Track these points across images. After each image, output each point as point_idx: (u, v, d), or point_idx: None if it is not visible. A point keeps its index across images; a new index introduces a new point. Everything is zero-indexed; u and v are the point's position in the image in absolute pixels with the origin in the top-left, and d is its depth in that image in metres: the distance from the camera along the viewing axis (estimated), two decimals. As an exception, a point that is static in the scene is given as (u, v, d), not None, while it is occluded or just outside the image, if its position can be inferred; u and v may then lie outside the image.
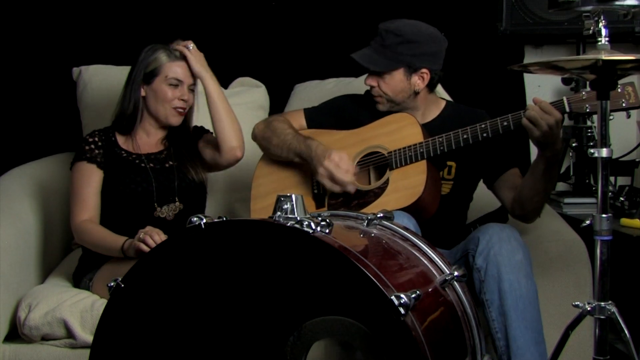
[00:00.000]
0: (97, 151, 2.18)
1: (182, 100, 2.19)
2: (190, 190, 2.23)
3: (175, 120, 2.22)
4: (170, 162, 2.24)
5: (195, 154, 2.29)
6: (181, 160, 2.24)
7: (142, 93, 2.21)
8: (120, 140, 2.24)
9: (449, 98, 2.62)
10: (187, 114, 2.28)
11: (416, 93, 2.15)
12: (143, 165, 2.20)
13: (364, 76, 2.71)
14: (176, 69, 2.19)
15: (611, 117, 1.61)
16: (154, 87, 2.19)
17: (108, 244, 2.04)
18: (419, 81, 2.13)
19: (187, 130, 2.31)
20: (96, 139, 2.21)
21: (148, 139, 2.27)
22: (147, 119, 2.25)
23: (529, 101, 3.02)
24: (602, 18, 1.51)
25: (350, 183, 2.06)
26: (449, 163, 2.14)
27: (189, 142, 2.30)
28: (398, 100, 2.14)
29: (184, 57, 2.21)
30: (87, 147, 2.18)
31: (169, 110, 2.19)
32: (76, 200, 2.15)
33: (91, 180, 2.16)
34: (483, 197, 2.28)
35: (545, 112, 1.85)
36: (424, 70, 2.12)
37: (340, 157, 2.06)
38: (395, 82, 2.12)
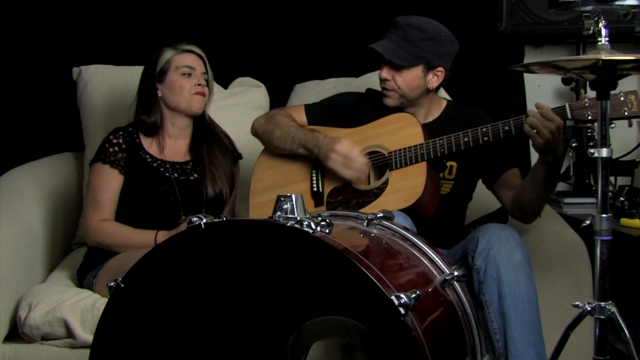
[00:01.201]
0: (120, 154, 2.14)
1: (199, 85, 2.17)
2: (218, 204, 2.21)
3: (199, 106, 2.18)
4: (196, 175, 2.21)
5: (222, 160, 2.27)
6: (204, 169, 2.21)
7: (159, 94, 2.19)
8: (146, 142, 2.20)
9: (449, 98, 2.62)
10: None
11: (429, 91, 2.15)
12: (167, 174, 2.16)
13: (364, 76, 2.73)
14: (185, 59, 2.18)
15: (613, 126, 1.60)
16: (168, 82, 2.18)
17: (137, 243, 2.03)
18: (433, 79, 2.13)
19: (215, 136, 2.29)
20: (120, 140, 2.16)
21: (174, 145, 2.24)
22: (170, 118, 2.21)
23: (529, 101, 3.04)
24: (602, 18, 1.51)
25: (365, 164, 2.06)
26: (449, 163, 2.14)
27: (217, 148, 2.28)
28: (410, 97, 2.13)
29: (190, 51, 2.20)
30: (110, 149, 2.14)
31: (189, 97, 2.17)
32: (92, 202, 2.13)
33: (110, 184, 2.13)
34: (483, 197, 2.28)
35: (547, 118, 1.84)
36: (440, 69, 2.12)
37: (349, 143, 2.07)
38: (412, 77, 2.10)
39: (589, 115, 1.89)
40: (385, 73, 2.11)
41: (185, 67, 2.17)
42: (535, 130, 1.85)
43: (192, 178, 2.20)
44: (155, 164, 2.18)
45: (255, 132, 2.29)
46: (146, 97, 2.20)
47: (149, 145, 2.21)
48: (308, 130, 2.16)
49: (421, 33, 2.08)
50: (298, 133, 2.15)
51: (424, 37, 2.08)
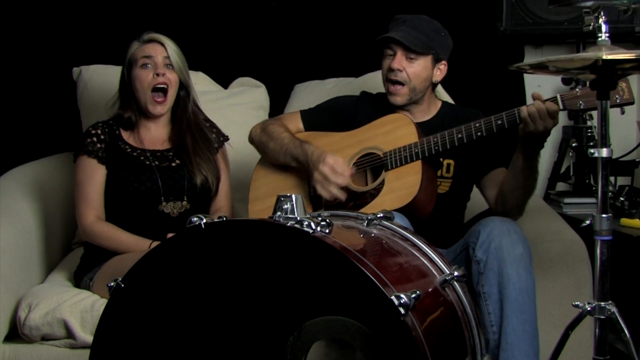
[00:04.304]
0: (98, 145, 2.15)
1: (157, 75, 2.13)
2: (199, 191, 2.20)
3: (157, 109, 2.16)
4: (178, 161, 2.21)
5: (206, 153, 2.24)
6: (187, 160, 2.20)
7: (130, 89, 2.19)
8: (125, 134, 2.22)
9: (449, 98, 2.62)
10: (183, 104, 2.24)
11: (433, 85, 2.17)
12: (148, 162, 2.17)
13: (365, 76, 2.73)
14: (144, 50, 2.16)
15: None
16: (132, 77, 2.17)
17: (131, 248, 2.04)
18: (437, 73, 2.16)
19: (196, 127, 2.26)
20: (99, 131, 2.18)
21: (152, 134, 2.24)
22: (141, 115, 2.21)
23: (529, 101, 3.03)
24: (602, 14, 1.51)
25: (344, 188, 2.03)
26: (447, 161, 2.15)
27: (200, 140, 2.25)
28: (419, 90, 2.14)
29: (150, 40, 2.17)
30: (88, 140, 2.16)
31: (148, 95, 2.15)
32: (80, 197, 2.14)
33: (94, 176, 2.14)
34: (480, 197, 2.28)
35: (550, 114, 1.86)
36: (444, 62, 2.16)
37: (335, 160, 2.05)
38: (422, 68, 2.12)
39: (581, 104, 1.89)
40: (398, 63, 2.10)
41: (142, 59, 2.15)
42: (531, 119, 1.86)
43: (173, 165, 2.20)
44: (135, 153, 2.19)
45: (251, 140, 2.29)
46: (122, 92, 2.22)
47: (128, 136, 2.22)
48: (299, 142, 2.14)
49: (430, 25, 2.12)
50: (290, 146, 2.15)
51: (433, 29, 2.12)
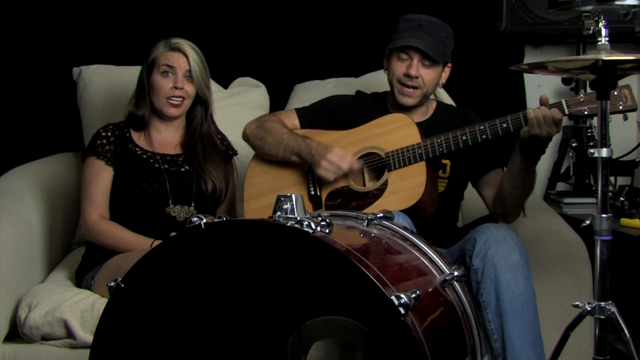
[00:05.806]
0: (107, 147, 2.17)
1: (176, 88, 2.16)
2: (207, 198, 2.22)
3: (171, 111, 2.18)
4: (187, 167, 2.22)
5: (216, 160, 2.26)
6: (197, 166, 2.22)
7: (147, 88, 2.20)
8: (135, 136, 2.23)
9: (449, 98, 2.63)
10: (197, 111, 2.26)
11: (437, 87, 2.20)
12: (157, 165, 2.19)
13: (365, 76, 2.74)
14: (168, 57, 2.17)
15: (609, 119, 1.61)
16: (151, 80, 2.18)
17: (133, 247, 2.05)
18: (444, 76, 2.18)
19: (208, 138, 2.28)
20: (109, 133, 2.19)
21: (164, 137, 2.25)
22: (154, 114, 2.23)
23: (529, 101, 3.05)
24: (602, 18, 1.51)
25: (355, 163, 2.07)
26: (443, 161, 2.15)
27: (211, 149, 2.27)
28: (429, 93, 2.17)
29: (176, 48, 2.18)
30: (98, 142, 2.17)
31: (163, 101, 2.17)
32: (85, 197, 2.16)
33: (99, 177, 2.15)
34: (476, 200, 2.28)
35: (554, 122, 1.86)
36: (449, 64, 2.18)
37: (341, 152, 2.07)
38: (436, 74, 2.14)
39: (585, 110, 1.90)
40: (415, 70, 2.10)
41: (164, 66, 2.17)
42: (537, 123, 1.87)
43: (183, 170, 2.22)
44: (145, 156, 2.20)
45: (246, 137, 2.28)
46: (139, 90, 2.23)
47: (138, 138, 2.23)
48: (301, 137, 2.15)
49: (444, 30, 2.13)
50: (290, 140, 2.15)
51: (446, 35, 2.13)
